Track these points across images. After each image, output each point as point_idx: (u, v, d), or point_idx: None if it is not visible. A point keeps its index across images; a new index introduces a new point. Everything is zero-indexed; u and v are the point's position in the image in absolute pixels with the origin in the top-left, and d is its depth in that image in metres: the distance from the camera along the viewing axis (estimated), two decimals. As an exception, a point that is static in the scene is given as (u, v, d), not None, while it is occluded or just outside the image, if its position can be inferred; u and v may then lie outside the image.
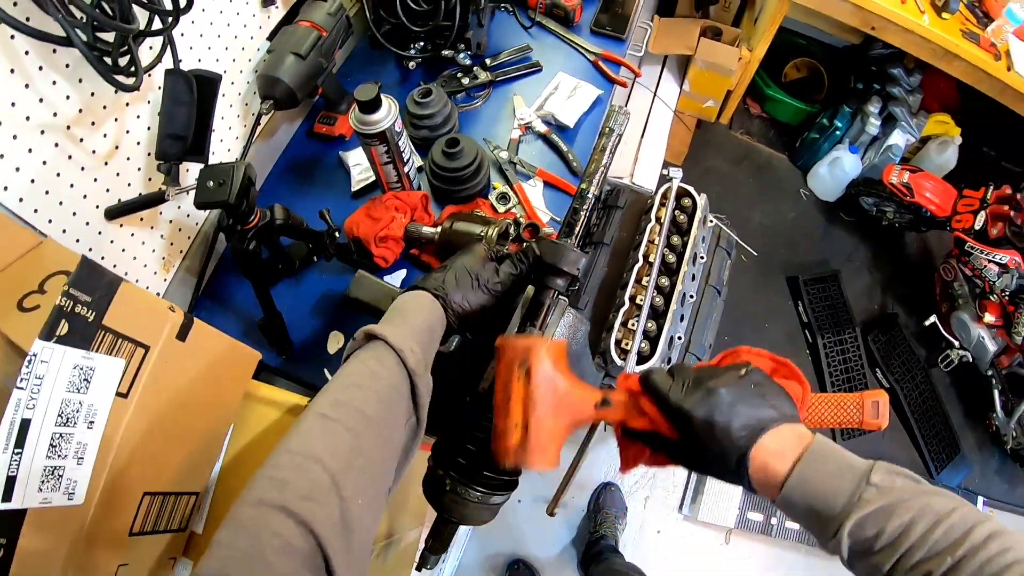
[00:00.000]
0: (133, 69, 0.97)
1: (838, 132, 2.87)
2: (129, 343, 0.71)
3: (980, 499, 2.65)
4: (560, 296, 0.96)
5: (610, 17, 1.78)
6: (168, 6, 1.02)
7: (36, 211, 0.94)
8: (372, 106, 1.16)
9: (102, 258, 1.10)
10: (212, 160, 1.30)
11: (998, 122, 2.73)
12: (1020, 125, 2.53)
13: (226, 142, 1.36)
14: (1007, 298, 2.30)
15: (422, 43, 1.58)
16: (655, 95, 2.41)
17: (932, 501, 0.56)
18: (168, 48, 1.09)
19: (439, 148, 1.32)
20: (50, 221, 0.97)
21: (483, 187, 1.41)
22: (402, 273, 1.35)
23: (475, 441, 0.89)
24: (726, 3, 2.74)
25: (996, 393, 2.53)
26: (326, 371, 1.27)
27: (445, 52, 1.59)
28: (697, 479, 2.46)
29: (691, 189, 1.94)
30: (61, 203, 0.99)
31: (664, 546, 2.35)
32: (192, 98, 1.10)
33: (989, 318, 2.41)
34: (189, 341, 0.80)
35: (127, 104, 1.07)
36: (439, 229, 1.27)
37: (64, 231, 1.01)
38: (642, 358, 1.73)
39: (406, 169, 1.31)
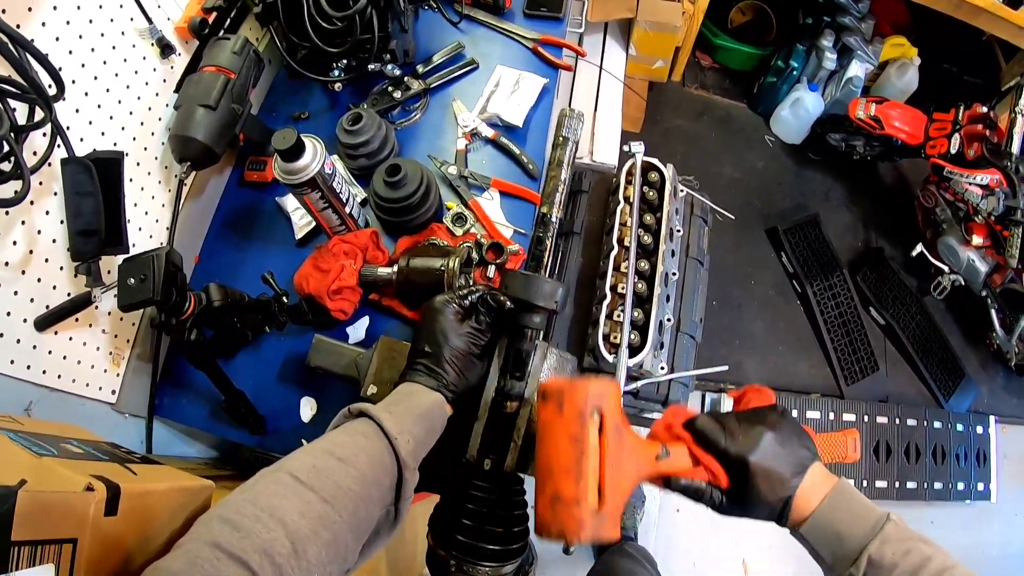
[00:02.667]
0: (19, 172, 0.85)
1: (795, 72, 2.77)
2: (51, 545, 0.62)
3: (992, 418, 2.63)
4: (538, 336, 0.87)
5: (542, -4, 1.65)
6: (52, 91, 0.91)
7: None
8: (294, 153, 1.04)
9: (43, 372, 1.00)
10: (139, 240, 1.21)
11: (955, 36, 2.66)
12: (977, 37, 2.45)
13: (152, 214, 1.24)
14: (993, 220, 2.23)
15: (345, 62, 1.46)
16: (601, 68, 2.29)
17: (939, 552, 0.63)
18: (58, 137, 0.96)
19: (379, 179, 1.21)
20: (-25, 350, 0.88)
21: (435, 210, 1.30)
22: (365, 321, 1.26)
23: (471, 514, 0.84)
24: (660, -45, 2.61)
25: (993, 312, 2.48)
26: (304, 441, 1.17)
27: (371, 66, 1.45)
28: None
29: (656, 162, 1.84)
30: (-17, 327, 0.89)
31: (686, 523, 2.30)
32: (95, 185, 0.99)
33: (977, 240, 2.35)
34: (122, 510, 0.71)
35: (31, 203, 0.96)
36: (395, 269, 1.17)
37: (-7, 355, 0.91)
38: (633, 350, 1.65)
39: (347, 210, 1.20)
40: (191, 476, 0.92)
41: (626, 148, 1.81)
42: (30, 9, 0.93)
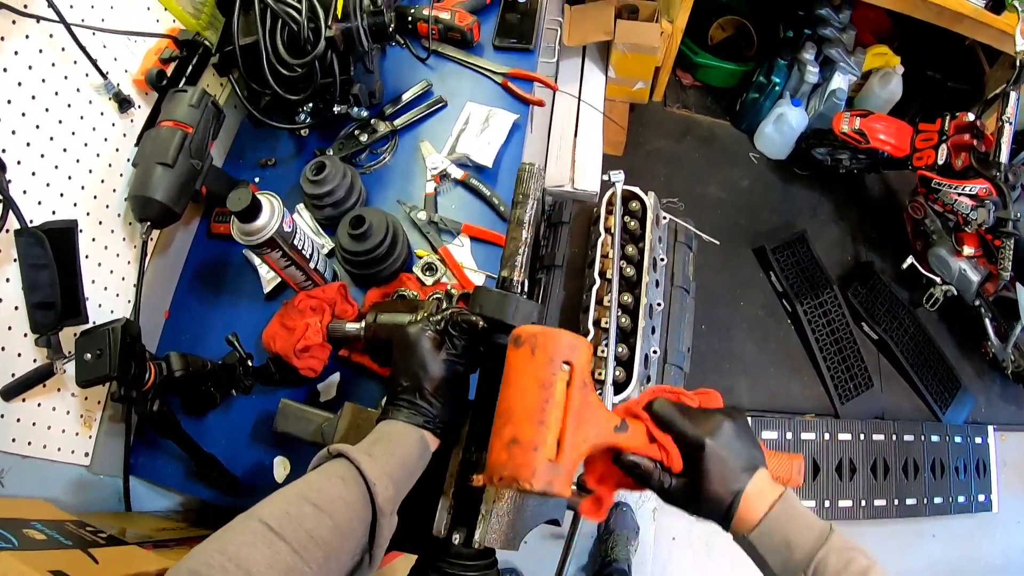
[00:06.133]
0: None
1: (777, 87, 2.74)
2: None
3: (990, 428, 2.61)
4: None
5: (512, 27, 1.62)
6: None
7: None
8: (250, 214, 1.02)
9: (12, 440, 0.98)
10: (107, 300, 1.18)
11: (937, 43, 2.63)
12: (960, 43, 2.43)
13: (117, 272, 1.20)
14: (984, 231, 2.19)
15: (311, 106, 1.43)
16: (580, 98, 2.27)
17: (875, 564, 0.63)
18: (10, 210, 0.93)
19: (344, 231, 1.18)
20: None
21: (404, 260, 1.27)
22: (336, 378, 1.22)
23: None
24: (637, -24, 2.59)
25: (987, 321, 2.46)
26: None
27: (336, 109, 1.42)
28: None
29: (637, 190, 1.81)
30: (-55, 403, 0.87)
31: (682, 550, 2.26)
32: (49, 257, 0.97)
33: (968, 250, 2.32)
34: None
35: (-10, 273, 0.94)
36: (363, 325, 1.14)
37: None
38: (619, 385, 1.62)
39: (312, 265, 1.17)
40: (156, 557, 0.89)
41: (606, 177, 1.79)
42: (-20, 72, 0.90)
